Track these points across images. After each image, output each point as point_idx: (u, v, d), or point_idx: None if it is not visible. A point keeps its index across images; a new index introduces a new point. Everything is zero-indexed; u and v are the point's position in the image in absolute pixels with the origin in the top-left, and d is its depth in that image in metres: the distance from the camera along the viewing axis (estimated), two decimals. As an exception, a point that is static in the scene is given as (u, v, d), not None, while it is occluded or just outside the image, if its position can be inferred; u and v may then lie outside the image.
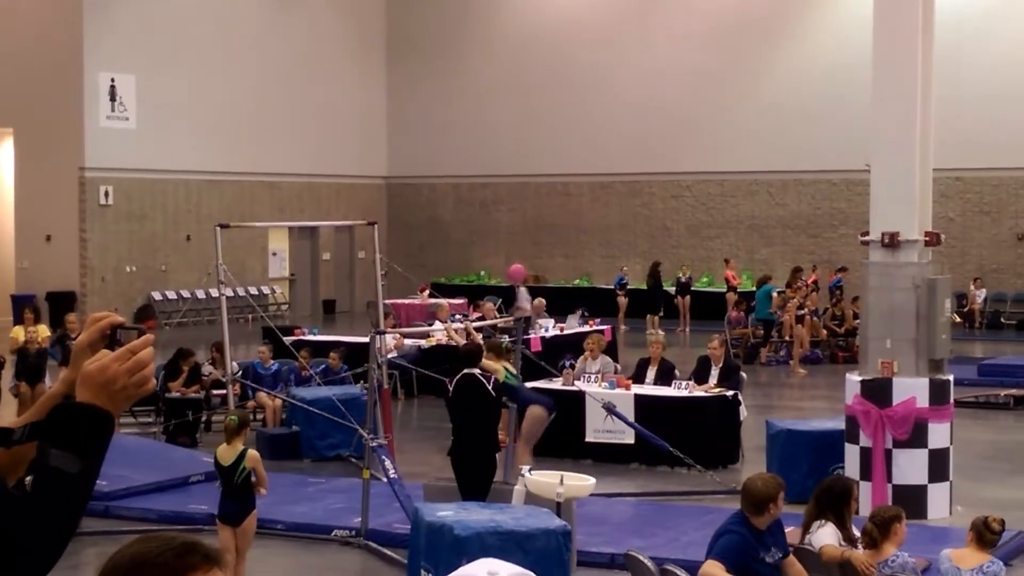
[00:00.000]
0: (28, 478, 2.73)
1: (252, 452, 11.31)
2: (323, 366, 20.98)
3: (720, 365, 18.31)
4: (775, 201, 39.96)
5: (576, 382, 18.20)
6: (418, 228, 44.26)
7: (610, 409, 16.71)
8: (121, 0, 36.28)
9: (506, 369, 14.47)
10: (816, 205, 39.44)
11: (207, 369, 20.26)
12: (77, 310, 34.81)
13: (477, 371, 13.29)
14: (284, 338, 21.55)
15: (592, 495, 12.87)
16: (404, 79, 44.58)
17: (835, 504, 9.89)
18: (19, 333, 21.07)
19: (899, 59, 14.62)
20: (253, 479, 11.26)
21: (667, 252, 40.07)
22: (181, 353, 20.27)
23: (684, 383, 18.08)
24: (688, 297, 36.30)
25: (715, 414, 17.55)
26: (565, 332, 26.00)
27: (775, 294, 30.30)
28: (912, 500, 13.52)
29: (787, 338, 29.63)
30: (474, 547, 10.06)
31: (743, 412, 17.82)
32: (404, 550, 12.09)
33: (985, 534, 9.32)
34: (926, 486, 14.31)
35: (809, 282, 33.52)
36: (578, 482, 11.90)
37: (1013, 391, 23.08)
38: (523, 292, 31.09)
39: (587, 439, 17.82)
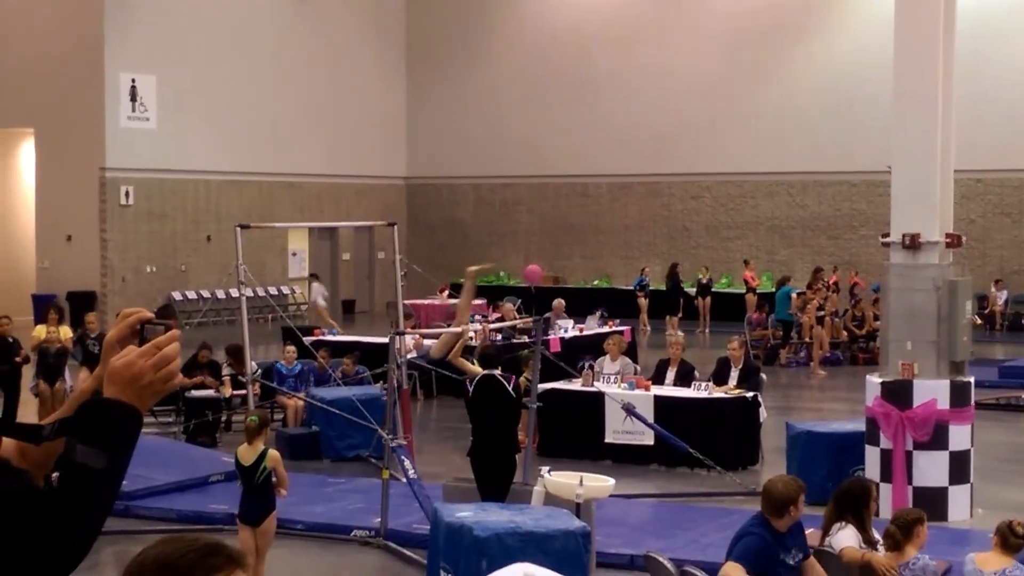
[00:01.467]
0: (55, 474, 2.73)
1: (273, 452, 11.32)
2: (339, 367, 21.00)
3: (740, 366, 18.28)
4: (795, 202, 39.89)
5: (595, 383, 18.19)
6: (438, 229, 44.29)
7: (629, 410, 16.69)
8: (141, 1, 36.37)
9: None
10: (836, 206, 39.35)
11: (226, 370, 20.30)
12: (97, 310, 34.92)
13: (497, 372, 13.28)
14: (304, 338, 21.58)
15: (611, 496, 12.86)
16: (424, 79, 44.63)
17: (854, 506, 9.87)
18: (41, 332, 21.12)
19: (920, 59, 14.58)
20: (274, 479, 11.27)
21: (686, 253, 40.03)
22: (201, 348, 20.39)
23: (704, 384, 18.05)
24: (708, 298, 36.25)
25: (735, 415, 17.52)
26: (584, 333, 25.99)
27: (794, 295, 30.25)
28: (933, 502, 13.48)
29: (807, 339, 29.56)
30: (493, 548, 10.06)
31: (763, 413, 17.79)
32: (423, 550, 12.10)
33: (1010, 538, 9.27)
34: (947, 488, 14.27)
35: (830, 283, 33.44)
36: (597, 483, 11.90)
37: (1034, 393, 23.01)
38: (317, 286, 31.88)
39: (606, 440, 17.81)
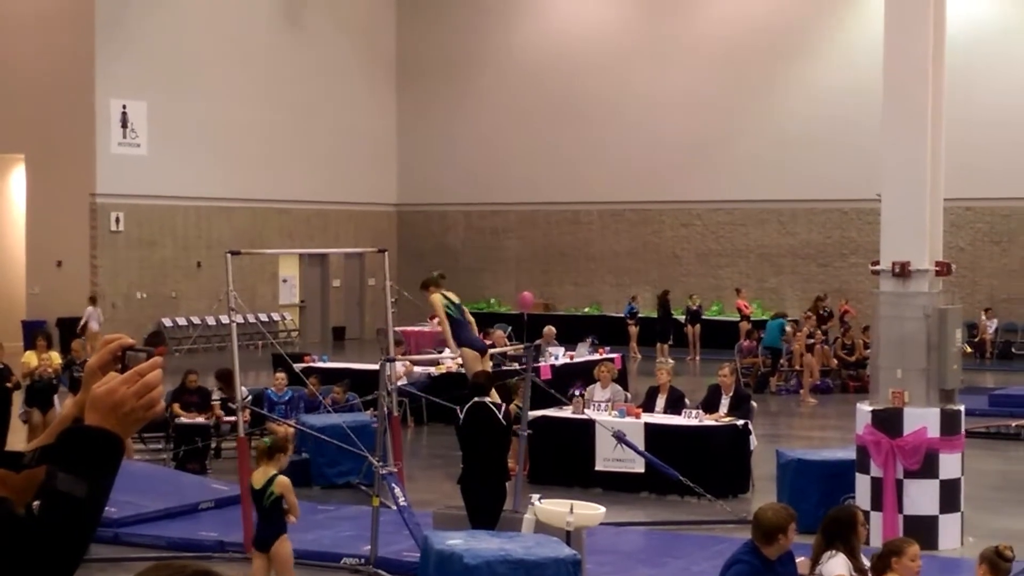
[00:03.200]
0: (36, 502, 2.71)
1: (282, 478, 11.25)
2: (329, 394, 20.96)
3: (731, 394, 18.28)
4: (785, 230, 39.96)
5: (586, 410, 18.17)
6: (428, 255, 44.28)
7: (620, 438, 16.68)
8: (133, 27, 36.43)
9: (446, 298, 14.46)
10: (827, 234, 39.43)
11: (216, 396, 20.25)
12: (84, 336, 34.87)
13: (488, 399, 13.28)
14: (294, 365, 21.54)
15: (602, 524, 12.84)
16: (415, 106, 44.71)
17: (843, 533, 9.83)
18: (31, 359, 21.06)
19: (909, 87, 14.62)
20: (285, 505, 11.23)
21: (677, 280, 40.07)
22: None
23: (694, 412, 18.04)
24: (698, 326, 36.28)
25: (725, 443, 17.51)
26: (575, 360, 25.98)
27: (788, 328, 30.26)
28: (923, 531, 13.46)
29: (797, 367, 29.59)
30: (484, 576, 10.04)
31: (753, 441, 17.78)
32: (413, 578, 12.06)
33: (1000, 563, 9.25)
34: (937, 517, 14.25)
35: (818, 310, 33.44)
36: (588, 511, 11.88)
37: (1024, 421, 23.02)
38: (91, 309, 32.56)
39: (597, 468, 17.78)
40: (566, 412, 18.39)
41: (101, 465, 2.77)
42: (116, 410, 2.82)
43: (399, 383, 19.39)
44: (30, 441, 18.53)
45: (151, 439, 20.18)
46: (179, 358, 26.56)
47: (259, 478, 11.20)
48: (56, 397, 20.57)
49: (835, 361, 30.43)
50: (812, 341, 29.64)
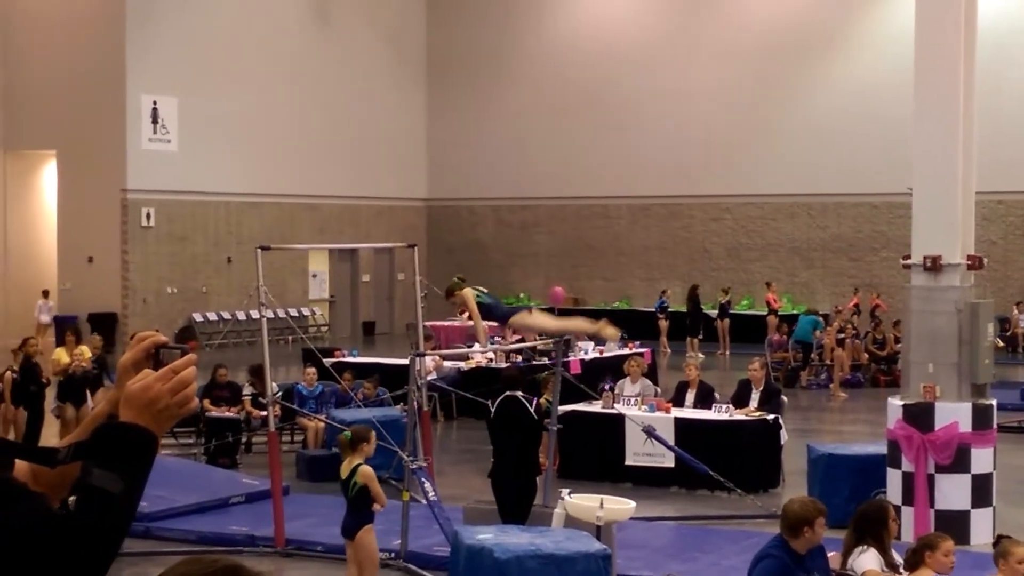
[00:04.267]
0: (71, 497, 2.73)
1: (364, 468, 11.31)
2: (360, 389, 21.02)
3: (761, 388, 18.24)
4: (816, 224, 39.84)
5: (616, 405, 18.16)
6: (458, 250, 44.32)
7: (650, 432, 16.65)
8: (163, 23, 36.55)
9: (477, 289, 14.49)
10: (857, 228, 39.29)
11: (248, 391, 20.32)
12: (118, 331, 35.05)
13: (519, 393, 13.28)
14: (324, 360, 21.58)
15: (632, 519, 12.83)
16: (444, 102, 44.73)
17: (874, 528, 9.81)
18: (61, 355, 21.17)
19: (941, 80, 14.56)
20: (372, 494, 11.30)
21: (707, 275, 39.98)
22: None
23: (724, 406, 18.01)
24: (728, 320, 36.20)
25: (756, 438, 17.47)
26: (605, 355, 25.95)
27: (818, 332, 30.12)
28: (955, 525, 13.40)
29: (827, 361, 29.51)
30: (514, 570, 10.04)
31: (784, 436, 17.73)
32: (443, 572, 12.09)
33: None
34: (969, 511, 14.20)
35: (850, 305, 33.37)
36: (618, 505, 11.88)
37: (1056, 416, 22.90)
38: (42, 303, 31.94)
39: (627, 462, 17.77)
40: (596, 407, 18.39)
41: (135, 461, 2.79)
42: (151, 406, 2.84)
43: (429, 378, 19.42)
44: (62, 436, 18.65)
45: (182, 434, 20.26)
46: (209, 353, 26.65)
47: (345, 468, 11.31)
48: (88, 392, 20.67)
49: (866, 356, 30.34)
50: (843, 336, 29.54)
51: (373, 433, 11.82)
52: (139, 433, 2.81)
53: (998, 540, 9.51)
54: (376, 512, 11.58)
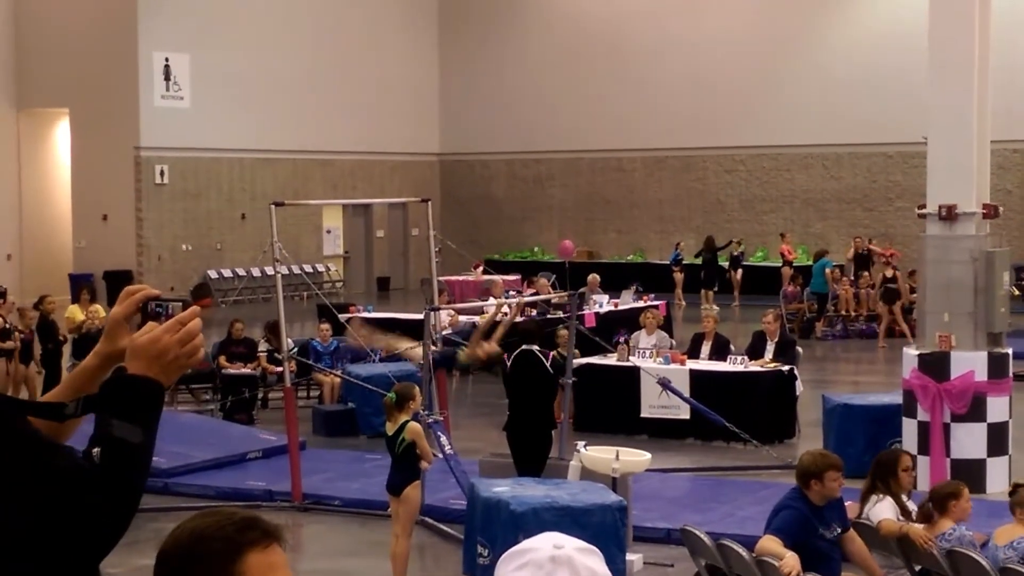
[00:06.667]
0: (95, 449, 2.76)
1: (412, 424, 11.29)
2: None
3: (776, 340, 18.24)
4: (830, 175, 39.70)
5: (631, 358, 18.17)
6: (471, 204, 44.27)
7: (665, 384, 16.68)
8: (174, -20, 36.44)
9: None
10: (872, 178, 39.15)
11: (263, 347, 20.36)
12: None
13: (535, 347, 13.30)
14: (339, 315, 21.61)
15: (647, 470, 12.87)
16: (456, 56, 44.57)
17: (884, 474, 9.89)
18: (75, 313, 21.23)
19: (956, 28, 14.46)
20: (418, 451, 11.29)
21: (721, 227, 39.86)
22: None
23: (739, 358, 18.01)
24: (740, 271, 36.17)
25: (771, 389, 17.49)
26: (619, 308, 25.95)
27: (828, 269, 30.15)
28: (971, 474, 13.41)
29: (843, 312, 29.51)
30: (530, 522, 10.08)
31: (799, 387, 17.74)
32: (460, 526, 12.13)
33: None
34: (985, 460, 14.21)
35: (849, 256, 33.31)
36: (634, 457, 11.91)
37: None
38: None
39: (642, 414, 17.81)
40: (611, 360, 18.41)
41: (150, 412, 2.83)
42: (160, 358, 2.87)
43: (444, 332, 19.44)
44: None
45: (199, 390, 20.33)
46: (225, 309, 26.75)
47: (391, 426, 11.29)
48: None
49: (880, 305, 30.26)
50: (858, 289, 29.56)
51: (417, 388, 11.81)
52: (150, 384, 2.85)
53: (1015, 488, 9.53)
54: (424, 470, 11.59)
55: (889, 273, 28.61)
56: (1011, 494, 9.47)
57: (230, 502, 14.11)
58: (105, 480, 2.73)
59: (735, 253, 36.40)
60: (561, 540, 2.45)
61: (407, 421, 11.26)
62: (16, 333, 20.09)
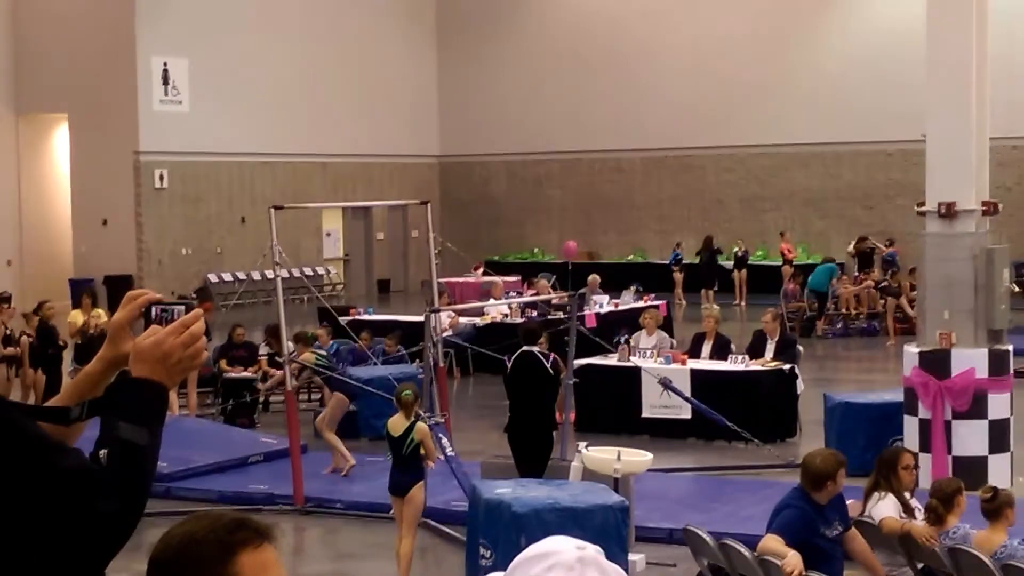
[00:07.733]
0: (102, 451, 2.79)
1: (421, 425, 11.33)
2: (379, 346, 21.03)
3: (776, 339, 18.23)
4: (829, 173, 39.69)
5: (632, 358, 18.17)
6: (471, 206, 44.27)
7: (666, 384, 16.68)
8: (172, -16, 36.44)
9: (316, 354, 14.75)
10: (871, 176, 39.14)
11: (264, 351, 20.35)
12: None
13: (535, 348, 13.30)
14: (340, 318, 21.61)
15: (649, 471, 12.87)
16: (454, 57, 44.57)
17: (885, 471, 9.90)
18: (77, 318, 21.22)
19: (954, 25, 14.46)
20: (422, 451, 11.30)
21: (721, 226, 39.87)
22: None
23: (740, 357, 18.01)
24: (744, 271, 36.16)
25: (772, 388, 17.50)
26: (620, 308, 25.95)
27: (835, 279, 30.15)
28: (972, 471, 13.42)
29: (843, 311, 29.51)
30: (532, 524, 10.07)
31: (800, 385, 17.74)
32: (462, 527, 12.12)
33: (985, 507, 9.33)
34: (986, 457, 14.21)
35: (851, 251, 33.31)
36: (635, 458, 11.91)
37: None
38: None
39: (643, 415, 17.81)
40: (612, 360, 18.40)
41: (156, 414, 2.87)
42: (164, 361, 2.91)
43: (444, 334, 19.45)
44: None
45: (200, 393, 20.32)
46: (225, 313, 26.70)
47: (398, 426, 11.31)
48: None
49: (881, 303, 30.28)
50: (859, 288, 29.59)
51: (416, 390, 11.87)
52: (154, 387, 2.89)
53: (994, 494, 9.42)
54: (429, 469, 11.62)
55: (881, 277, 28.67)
56: (989, 500, 9.38)
57: (232, 506, 14.11)
58: (113, 481, 2.76)
59: (739, 253, 36.37)
60: (576, 541, 2.44)
61: (415, 421, 11.29)
62: (24, 337, 20.09)
